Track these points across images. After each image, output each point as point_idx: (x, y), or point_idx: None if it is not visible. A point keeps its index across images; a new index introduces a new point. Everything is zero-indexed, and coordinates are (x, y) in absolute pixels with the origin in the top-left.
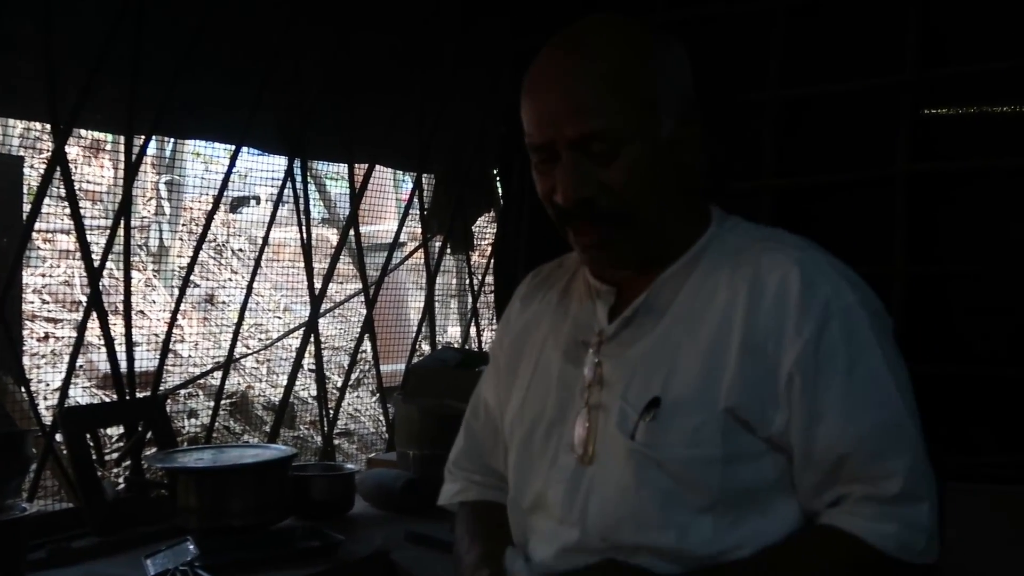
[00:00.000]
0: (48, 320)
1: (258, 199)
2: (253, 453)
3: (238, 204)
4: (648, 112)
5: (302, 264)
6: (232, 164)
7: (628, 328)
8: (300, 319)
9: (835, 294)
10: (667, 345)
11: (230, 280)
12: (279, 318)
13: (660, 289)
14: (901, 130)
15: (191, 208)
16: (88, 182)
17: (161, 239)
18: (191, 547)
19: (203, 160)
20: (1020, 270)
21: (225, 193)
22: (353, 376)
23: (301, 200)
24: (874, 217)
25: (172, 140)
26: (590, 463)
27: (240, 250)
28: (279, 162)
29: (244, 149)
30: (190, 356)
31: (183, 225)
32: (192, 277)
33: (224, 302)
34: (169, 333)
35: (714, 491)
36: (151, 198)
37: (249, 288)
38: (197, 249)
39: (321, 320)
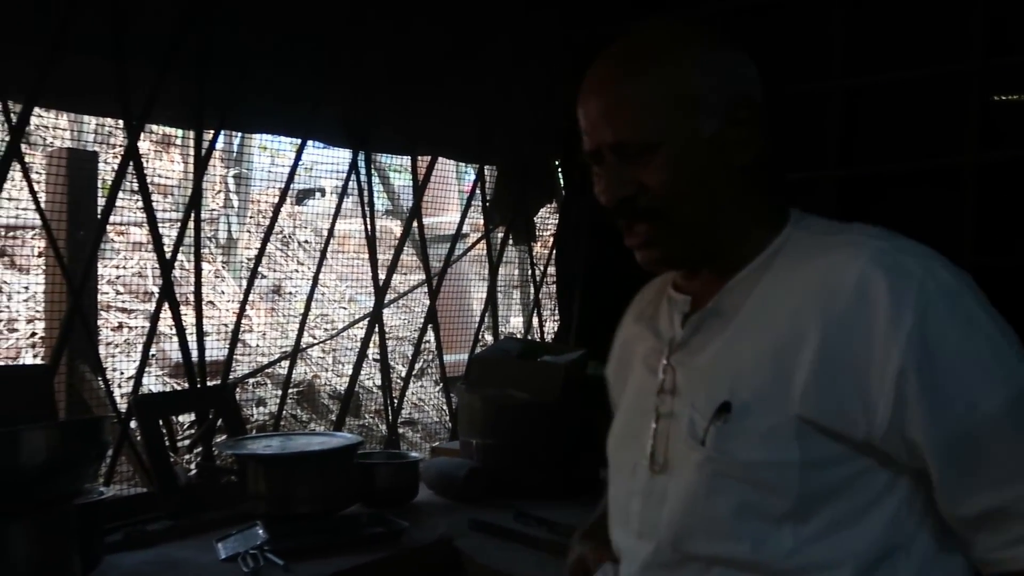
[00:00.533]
0: (122, 310)
1: (323, 191)
2: (319, 441)
3: (304, 196)
4: (686, 112)
5: (366, 255)
6: (298, 158)
7: (697, 334)
8: (365, 309)
9: (927, 274)
10: (735, 349)
11: (296, 271)
12: (344, 308)
13: (729, 294)
14: (969, 118)
15: (258, 201)
16: (159, 176)
17: (229, 231)
18: (261, 532)
19: (270, 154)
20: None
21: (291, 186)
22: (417, 366)
23: (365, 192)
24: (942, 207)
25: (239, 135)
26: (662, 472)
27: (306, 242)
28: (343, 155)
29: (309, 142)
30: (258, 346)
31: (250, 217)
32: (259, 268)
33: (291, 293)
34: (238, 323)
35: (792, 497)
36: (219, 191)
37: (315, 279)
38: (264, 241)
39: (385, 311)
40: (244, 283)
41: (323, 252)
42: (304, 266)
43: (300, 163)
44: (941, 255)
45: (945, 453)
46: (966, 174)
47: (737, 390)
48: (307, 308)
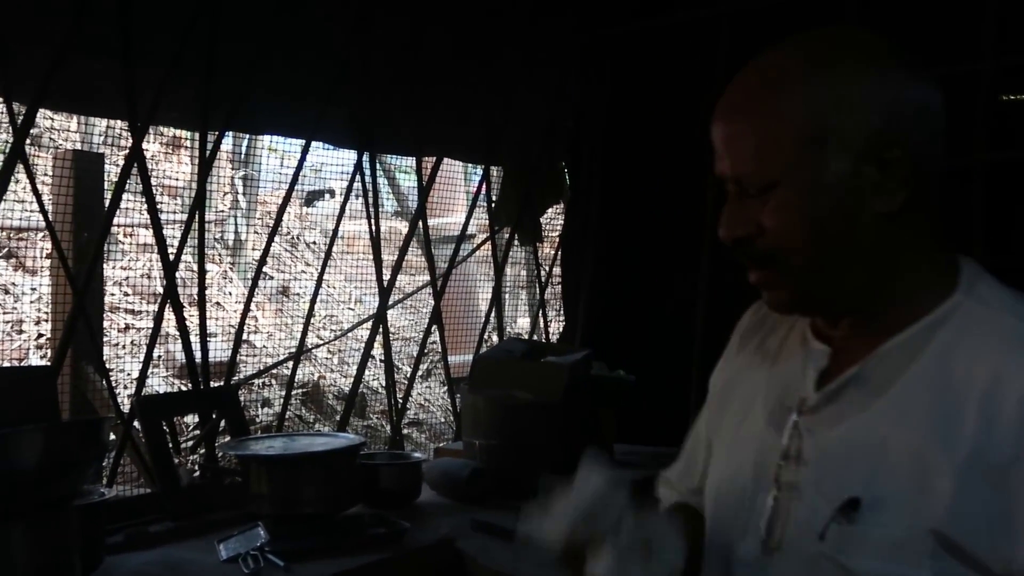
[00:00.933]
0: (129, 311)
1: (332, 193)
2: (323, 442)
3: (313, 198)
4: (808, 151)
5: (361, 257)
6: (303, 158)
7: (835, 403)
8: (371, 310)
9: None
10: (877, 433)
11: (303, 272)
12: (351, 309)
13: (879, 362)
14: (978, 119)
15: (266, 202)
16: (168, 177)
17: (237, 232)
18: (262, 532)
19: (278, 155)
20: None
21: (299, 187)
22: (423, 367)
23: (370, 193)
24: (951, 208)
25: (246, 136)
26: (775, 552)
27: (314, 243)
28: (352, 156)
29: (316, 144)
30: (264, 347)
31: (258, 219)
32: (266, 269)
33: (298, 294)
34: (242, 324)
35: None
36: (227, 193)
37: (319, 280)
38: (269, 242)
39: (392, 311)
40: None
41: (327, 252)
42: (311, 267)
43: (308, 164)
44: None
45: None
46: (976, 174)
47: (872, 484)
48: (311, 309)
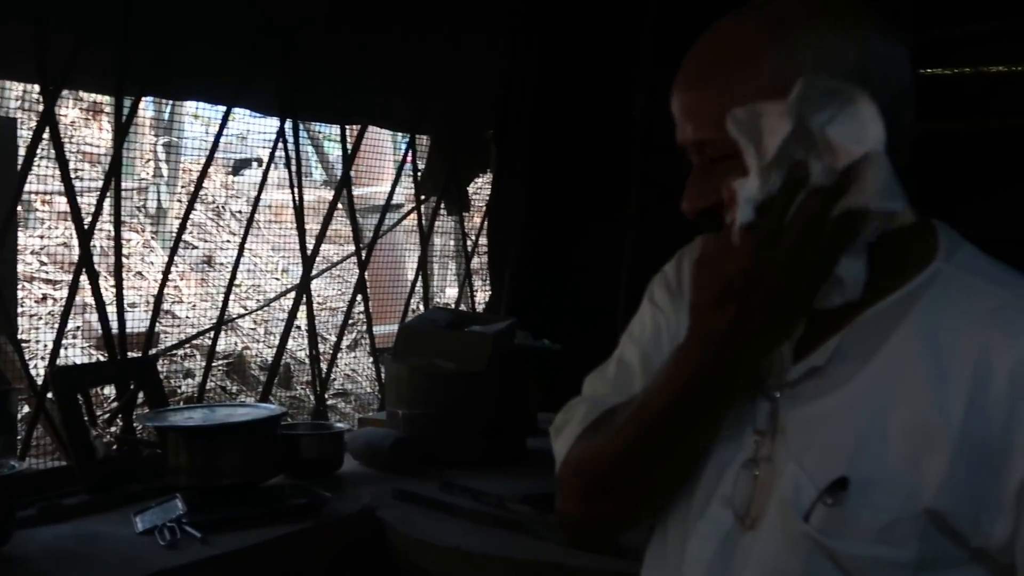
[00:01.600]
0: (46, 281)
1: (260, 161)
2: (243, 412)
3: (240, 166)
4: None
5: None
6: (223, 126)
7: (815, 375)
8: (297, 280)
9: None
10: (862, 408)
11: (228, 242)
12: (277, 279)
13: (861, 331)
14: None
15: (190, 170)
16: (87, 144)
17: (159, 201)
18: (179, 504)
19: (202, 122)
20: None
21: (225, 156)
22: (350, 337)
23: (294, 162)
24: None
25: (170, 102)
26: (750, 528)
27: (239, 212)
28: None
29: (242, 111)
30: (187, 317)
31: (182, 187)
32: (190, 239)
33: (222, 264)
34: (160, 294)
35: None
36: (149, 160)
37: (241, 249)
38: (188, 210)
39: (319, 281)
40: (179, 254)
41: (249, 221)
42: (237, 237)
43: (233, 132)
44: None
45: None
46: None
47: (859, 463)
48: (232, 278)
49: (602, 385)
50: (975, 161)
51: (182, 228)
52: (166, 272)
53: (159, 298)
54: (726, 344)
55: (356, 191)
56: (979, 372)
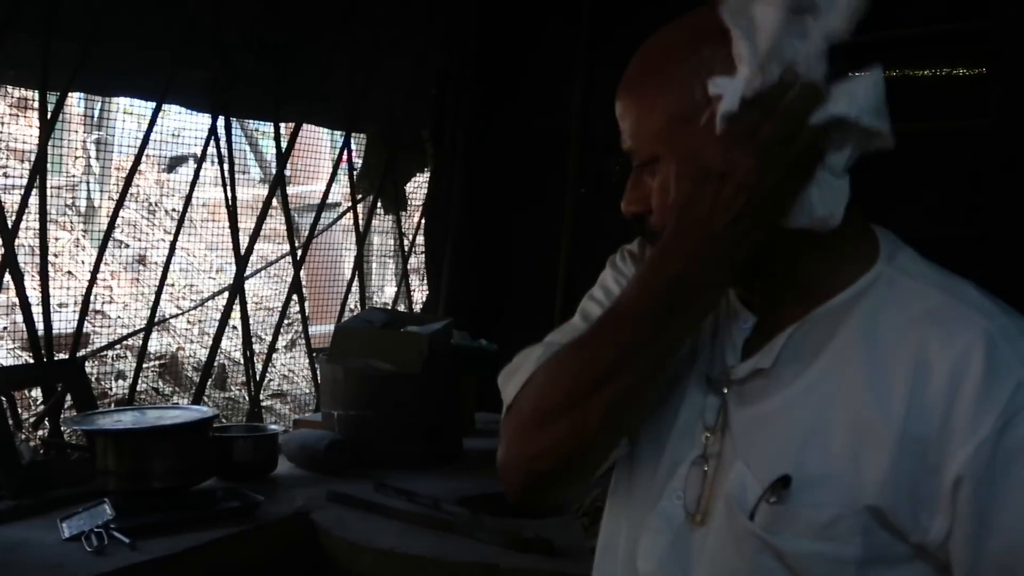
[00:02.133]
0: None
1: (196, 158)
2: (174, 415)
3: (176, 164)
4: (680, 129)
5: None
6: (152, 122)
7: (761, 374)
8: (233, 280)
9: None
10: (807, 408)
11: (162, 241)
12: (213, 279)
13: (806, 333)
14: None
15: (122, 167)
16: (16, 140)
17: (89, 198)
18: (108, 509)
19: (135, 118)
20: (938, 234)
21: (159, 153)
22: (288, 337)
23: (226, 159)
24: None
25: (100, 98)
26: (700, 524)
27: (174, 210)
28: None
29: (176, 108)
30: (119, 317)
31: (114, 184)
32: (123, 238)
33: (156, 263)
34: (88, 294)
35: None
36: (79, 157)
37: (172, 247)
38: (117, 208)
39: (256, 281)
40: (111, 252)
41: (181, 219)
42: (171, 235)
43: (167, 129)
44: None
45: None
46: None
47: (801, 462)
48: (163, 277)
49: (560, 336)
50: (902, 164)
51: (111, 226)
52: (95, 271)
53: (87, 298)
54: (703, 232)
55: (293, 189)
56: (918, 371)
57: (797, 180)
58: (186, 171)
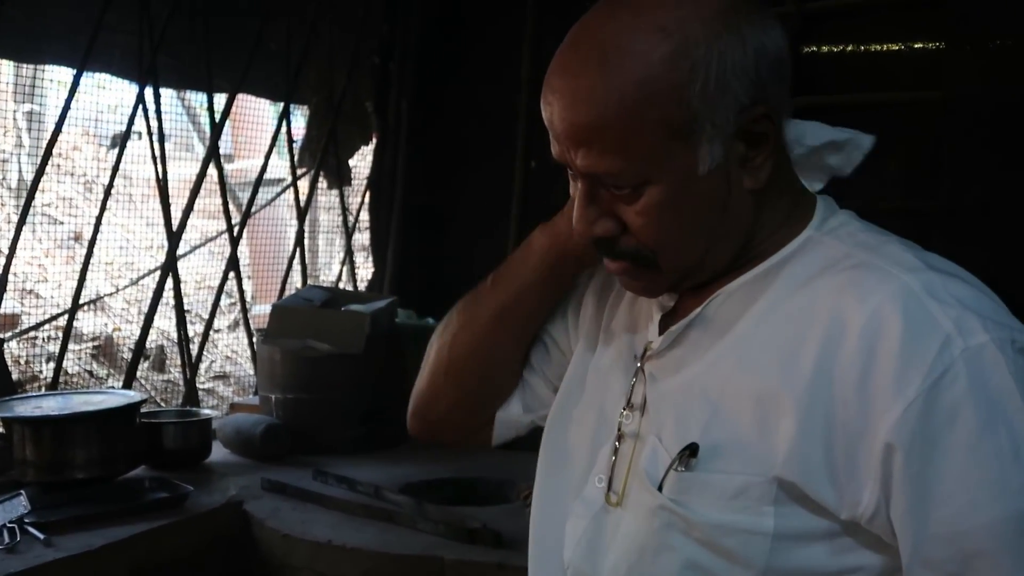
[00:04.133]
0: None
1: (140, 134)
2: (99, 400)
3: (119, 140)
4: (679, 144)
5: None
6: (73, 91)
7: (678, 347)
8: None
9: (958, 331)
10: (718, 377)
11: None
12: (154, 257)
13: (723, 301)
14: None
15: (57, 142)
16: None
17: (21, 173)
18: (24, 502)
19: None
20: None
21: (99, 130)
22: (231, 317)
23: (155, 131)
24: None
25: (32, 66)
26: (618, 505)
27: (113, 187)
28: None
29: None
30: (52, 297)
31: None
32: (57, 214)
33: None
34: (5, 272)
35: (757, 570)
36: (8, 131)
37: (97, 223)
38: (35, 182)
39: (198, 259)
40: (41, 230)
41: (106, 194)
42: (109, 212)
43: (106, 103)
44: (996, 301)
45: (919, 560)
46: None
47: (710, 430)
48: (88, 254)
49: None
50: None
51: (28, 200)
52: (12, 249)
53: (4, 277)
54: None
55: (237, 164)
56: (830, 333)
57: None
58: (132, 149)
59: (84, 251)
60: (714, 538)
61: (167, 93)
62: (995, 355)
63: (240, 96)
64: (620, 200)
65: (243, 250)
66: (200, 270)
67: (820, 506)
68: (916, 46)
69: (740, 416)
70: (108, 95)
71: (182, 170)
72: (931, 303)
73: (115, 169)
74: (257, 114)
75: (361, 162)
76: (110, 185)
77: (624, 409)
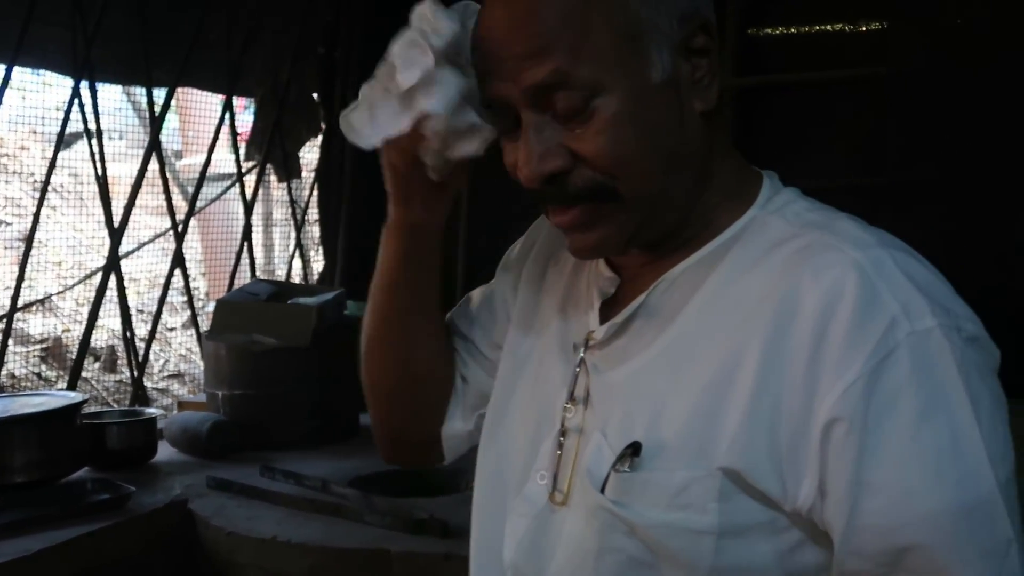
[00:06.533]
0: None
1: (91, 134)
2: (38, 402)
3: (73, 140)
4: (628, 48)
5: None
6: (4, 85)
7: (622, 336)
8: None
9: (905, 313)
10: (663, 369)
11: (49, 218)
12: (105, 257)
13: (670, 288)
14: (727, 45)
15: (3, 143)
16: None
17: None
18: None
19: (18, 89)
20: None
21: (47, 129)
22: (187, 315)
23: (93, 128)
24: None
25: None
26: (562, 504)
27: (61, 186)
28: (114, 93)
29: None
30: None
31: None
32: (4, 216)
33: (40, 241)
34: None
35: (702, 571)
36: None
37: (34, 223)
38: None
39: (150, 257)
40: None
41: (43, 192)
42: (58, 211)
43: (51, 102)
44: (953, 293)
45: (848, 550)
46: (724, 98)
47: (655, 427)
48: (26, 253)
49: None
50: (806, 114)
51: None
52: None
53: None
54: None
55: (187, 160)
56: (782, 315)
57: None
58: (82, 148)
59: (35, 252)
60: (659, 539)
61: (114, 90)
62: (941, 342)
63: (188, 90)
64: (570, 128)
65: (196, 246)
66: (154, 268)
67: (765, 496)
68: (862, 27)
69: (687, 408)
70: (56, 93)
71: (134, 168)
72: (879, 282)
73: (51, 166)
74: (206, 109)
75: (311, 154)
76: (46, 183)
77: (567, 403)
